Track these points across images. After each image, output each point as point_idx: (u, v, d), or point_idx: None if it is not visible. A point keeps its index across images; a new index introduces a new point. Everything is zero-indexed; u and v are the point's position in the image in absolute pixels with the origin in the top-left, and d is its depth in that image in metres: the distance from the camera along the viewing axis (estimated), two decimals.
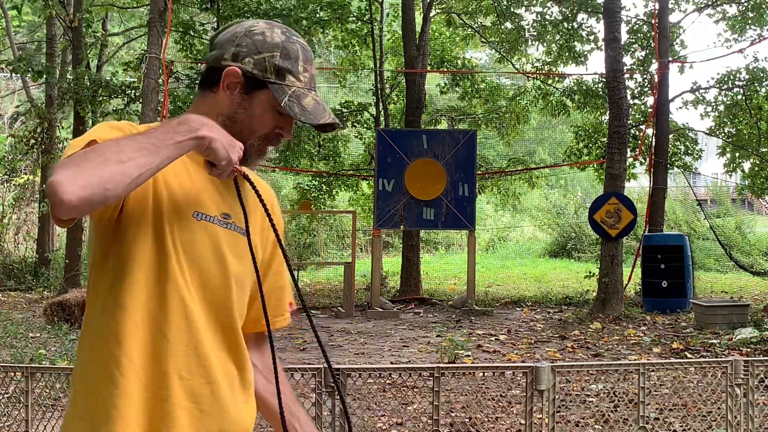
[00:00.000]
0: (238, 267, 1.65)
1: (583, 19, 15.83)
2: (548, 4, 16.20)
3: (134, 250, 1.54)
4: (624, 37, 13.61)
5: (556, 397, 3.98)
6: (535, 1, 16.15)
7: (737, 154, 15.65)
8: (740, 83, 14.58)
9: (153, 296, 1.54)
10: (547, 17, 16.13)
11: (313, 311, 12.49)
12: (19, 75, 16.21)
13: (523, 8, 16.34)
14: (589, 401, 5.49)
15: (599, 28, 15.99)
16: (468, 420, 5.01)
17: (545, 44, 16.55)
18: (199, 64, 15.57)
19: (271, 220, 1.65)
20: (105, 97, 15.40)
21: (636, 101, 15.15)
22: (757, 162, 15.23)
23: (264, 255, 1.76)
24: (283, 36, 1.65)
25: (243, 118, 1.64)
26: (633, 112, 14.71)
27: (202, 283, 1.59)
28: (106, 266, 1.56)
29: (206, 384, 1.58)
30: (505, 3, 15.98)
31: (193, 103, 1.70)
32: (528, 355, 8.33)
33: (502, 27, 16.55)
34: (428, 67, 15.84)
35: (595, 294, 12.02)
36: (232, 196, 1.64)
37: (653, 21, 14.05)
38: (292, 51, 1.65)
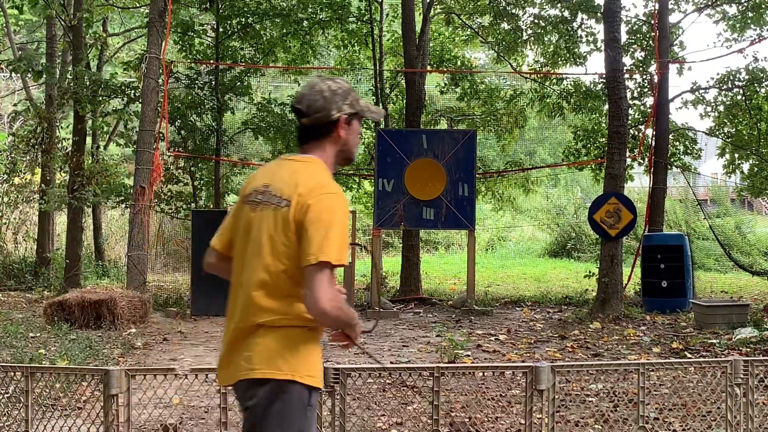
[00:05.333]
0: None
1: (582, 19, 15.80)
2: (546, 6, 16.16)
3: None
4: (624, 37, 13.59)
5: (556, 396, 3.98)
6: (531, 1, 16.10)
7: (737, 155, 15.63)
8: (740, 83, 14.57)
9: None
10: (546, 18, 16.08)
11: None
12: (19, 75, 16.19)
13: (521, 10, 16.25)
14: (589, 401, 5.49)
15: (599, 29, 15.95)
16: (468, 420, 5.01)
17: (543, 45, 16.49)
18: (199, 65, 15.57)
19: None
20: (105, 97, 15.39)
21: (635, 101, 15.13)
22: (757, 162, 15.20)
23: None
24: (344, 83, 2.75)
25: (351, 140, 2.77)
26: (632, 112, 14.69)
27: None
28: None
29: None
30: (503, 3, 15.93)
31: (309, 150, 2.72)
32: (528, 355, 8.33)
33: (500, 28, 16.49)
34: (428, 67, 15.82)
35: (594, 294, 12.01)
36: None
37: (653, 21, 14.05)
38: (352, 89, 2.77)
